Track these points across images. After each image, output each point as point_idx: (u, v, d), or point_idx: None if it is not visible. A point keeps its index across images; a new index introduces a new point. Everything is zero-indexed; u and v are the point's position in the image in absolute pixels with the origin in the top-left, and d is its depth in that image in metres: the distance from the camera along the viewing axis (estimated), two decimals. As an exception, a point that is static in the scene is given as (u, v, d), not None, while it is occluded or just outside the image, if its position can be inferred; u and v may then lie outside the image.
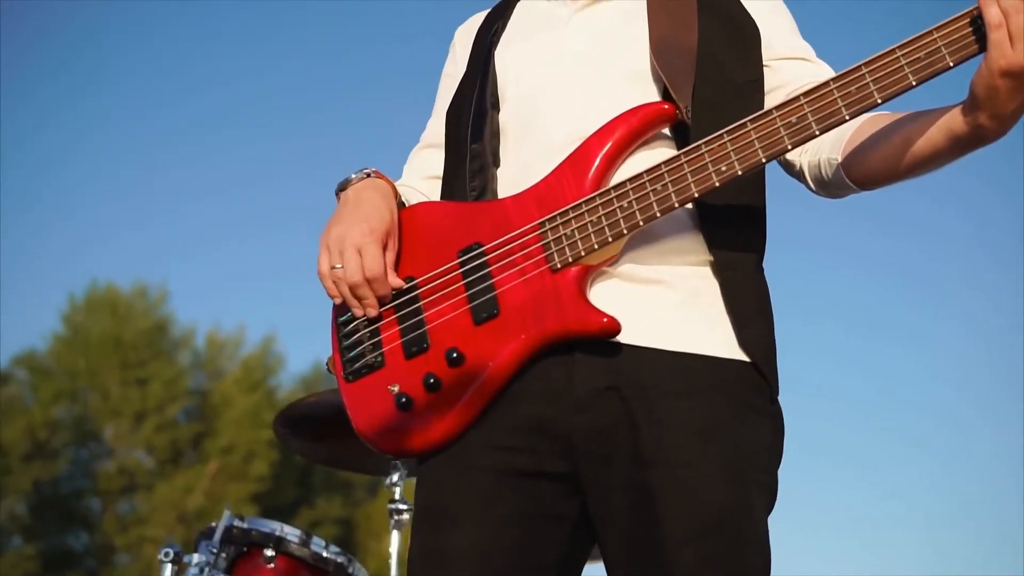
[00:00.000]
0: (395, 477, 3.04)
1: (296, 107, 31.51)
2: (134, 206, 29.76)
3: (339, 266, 1.76)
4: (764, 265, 1.84)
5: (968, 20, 1.51)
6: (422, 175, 2.04)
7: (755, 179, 1.81)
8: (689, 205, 1.70)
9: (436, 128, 2.04)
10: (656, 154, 1.72)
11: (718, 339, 1.72)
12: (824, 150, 1.78)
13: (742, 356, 1.72)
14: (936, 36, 1.52)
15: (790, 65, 1.85)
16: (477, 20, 2.09)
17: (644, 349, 1.68)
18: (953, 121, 1.58)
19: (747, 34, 1.85)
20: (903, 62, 1.53)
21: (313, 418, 2.97)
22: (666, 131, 1.75)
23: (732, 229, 1.76)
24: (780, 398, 1.78)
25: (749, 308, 1.75)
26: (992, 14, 1.48)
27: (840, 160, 1.75)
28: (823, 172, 1.79)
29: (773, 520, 1.72)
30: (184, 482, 20.12)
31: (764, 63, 1.85)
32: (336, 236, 1.77)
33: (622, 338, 1.66)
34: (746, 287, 1.76)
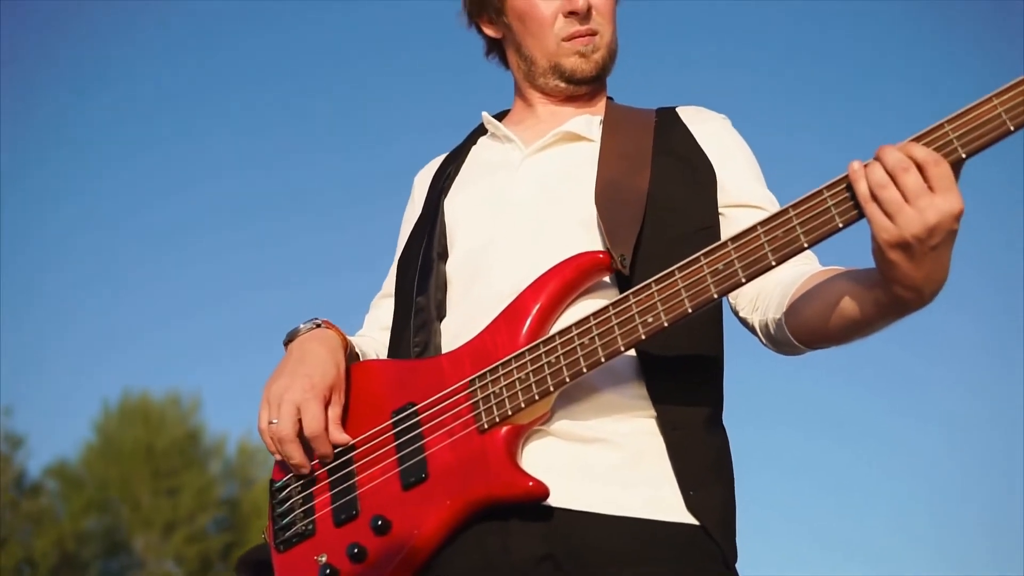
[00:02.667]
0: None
1: (328, 201, 31.78)
2: (166, 311, 30.10)
3: (275, 421, 1.68)
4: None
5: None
6: (380, 325, 1.98)
7: (708, 325, 1.72)
8: (632, 353, 1.61)
9: (394, 276, 1.99)
10: (599, 303, 1.63)
11: (664, 502, 1.61)
12: (771, 309, 1.68)
13: (691, 520, 1.60)
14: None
15: (745, 213, 1.76)
16: (435, 165, 2.05)
17: (581, 513, 1.58)
18: (875, 289, 1.46)
19: (702, 179, 1.78)
20: (830, 203, 1.43)
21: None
22: (609, 279, 1.67)
23: (679, 382, 1.66)
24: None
25: (700, 468, 1.64)
26: (860, 190, 1.38)
27: (783, 320, 1.65)
28: (772, 331, 1.69)
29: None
30: (214, 594, 19.89)
31: (719, 210, 1.77)
32: (276, 391, 1.70)
33: (558, 502, 1.57)
34: (696, 446, 1.65)
